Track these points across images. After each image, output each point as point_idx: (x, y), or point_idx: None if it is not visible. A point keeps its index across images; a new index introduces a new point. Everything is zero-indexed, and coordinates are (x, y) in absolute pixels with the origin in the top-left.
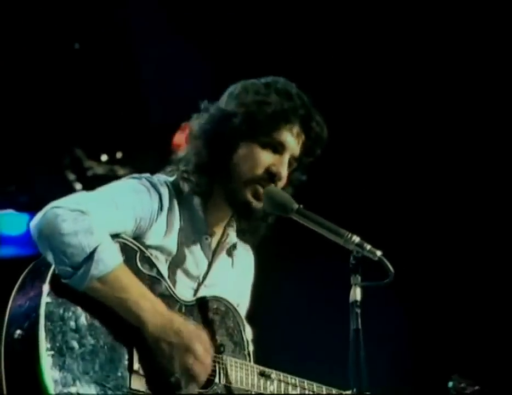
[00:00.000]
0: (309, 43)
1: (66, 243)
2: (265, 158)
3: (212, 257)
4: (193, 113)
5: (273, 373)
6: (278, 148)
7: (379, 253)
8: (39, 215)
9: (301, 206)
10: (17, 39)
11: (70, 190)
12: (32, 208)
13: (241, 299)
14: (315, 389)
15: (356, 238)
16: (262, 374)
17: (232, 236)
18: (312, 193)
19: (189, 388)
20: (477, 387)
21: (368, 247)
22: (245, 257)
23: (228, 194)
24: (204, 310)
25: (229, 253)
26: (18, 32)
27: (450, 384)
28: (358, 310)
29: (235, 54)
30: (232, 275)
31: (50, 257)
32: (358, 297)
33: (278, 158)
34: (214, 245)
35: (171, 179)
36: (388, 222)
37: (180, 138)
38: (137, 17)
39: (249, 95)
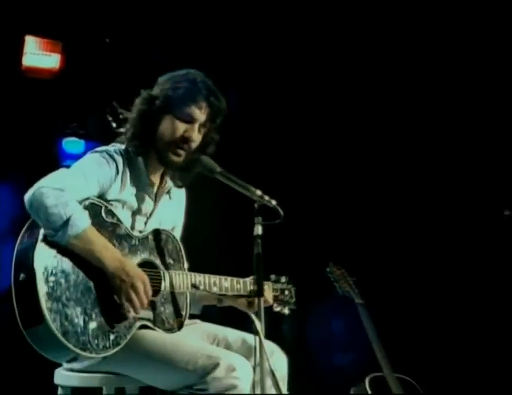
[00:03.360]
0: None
1: (50, 213)
2: (180, 127)
3: (155, 198)
4: None
5: (202, 285)
6: (189, 119)
7: (273, 202)
8: (30, 192)
9: (223, 169)
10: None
11: (109, 126)
12: (87, 138)
13: (177, 222)
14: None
15: (259, 192)
16: (193, 286)
17: (169, 182)
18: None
19: (128, 312)
20: (343, 270)
21: (267, 197)
22: (179, 191)
23: (158, 154)
24: (152, 240)
25: (168, 192)
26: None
27: (328, 269)
28: (259, 241)
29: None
30: (170, 206)
31: (39, 222)
32: (259, 232)
33: (190, 127)
34: (155, 190)
35: (123, 147)
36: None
37: None
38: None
39: (168, 83)
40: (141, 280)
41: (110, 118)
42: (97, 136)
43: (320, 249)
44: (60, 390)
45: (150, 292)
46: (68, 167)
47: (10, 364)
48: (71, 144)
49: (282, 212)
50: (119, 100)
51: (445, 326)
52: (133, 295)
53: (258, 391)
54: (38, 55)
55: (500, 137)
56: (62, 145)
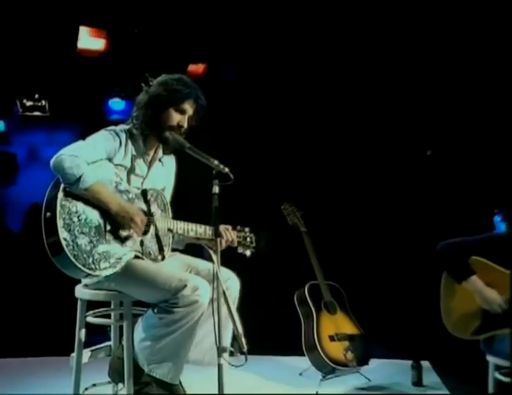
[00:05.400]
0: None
1: (66, 173)
2: (176, 117)
3: (150, 165)
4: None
5: (179, 230)
6: (182, 112)
7: (226, 169)
8: (53, 158)
9: (191, 145)
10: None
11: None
12: (126, 98)
13: (168, 184)
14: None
15: (215, 161)
16: (169, 229)
17: (160, 152)
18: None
19: (132, 238)
20: (293, 207)
21: (222, 166)
22: (170, 160)
23: (158, 135)
24: (145, 195)
25: (160, 160)
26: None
27: (282, 206)
28: (216, 197)
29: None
30: (162, 171)
31: (60, 179)
32: (216, 191)
33: (182, 117)
34: (150, 158)
35: (127, 127)
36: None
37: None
38: None
39: (169, 85)
40: (137, 214)
41: (143, 84)
42: (134, 97)
43: (277, 192)
44: (79, 302)
45: (145, 221)
46: (113, 121)
47: (44, 282)
48: (115, 103)
49: (232, 176)
50: (148, 71)
51: (367, 245)
52: (133, 225)
53: (214, 305)
54: (89, 40)
55: (425, 87)
56: (108, 104)
